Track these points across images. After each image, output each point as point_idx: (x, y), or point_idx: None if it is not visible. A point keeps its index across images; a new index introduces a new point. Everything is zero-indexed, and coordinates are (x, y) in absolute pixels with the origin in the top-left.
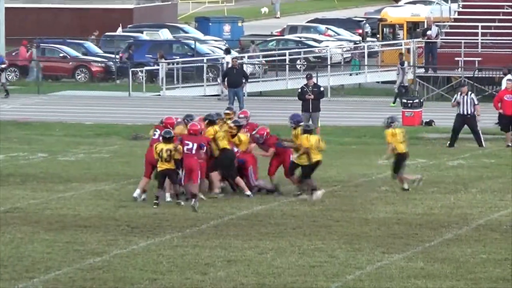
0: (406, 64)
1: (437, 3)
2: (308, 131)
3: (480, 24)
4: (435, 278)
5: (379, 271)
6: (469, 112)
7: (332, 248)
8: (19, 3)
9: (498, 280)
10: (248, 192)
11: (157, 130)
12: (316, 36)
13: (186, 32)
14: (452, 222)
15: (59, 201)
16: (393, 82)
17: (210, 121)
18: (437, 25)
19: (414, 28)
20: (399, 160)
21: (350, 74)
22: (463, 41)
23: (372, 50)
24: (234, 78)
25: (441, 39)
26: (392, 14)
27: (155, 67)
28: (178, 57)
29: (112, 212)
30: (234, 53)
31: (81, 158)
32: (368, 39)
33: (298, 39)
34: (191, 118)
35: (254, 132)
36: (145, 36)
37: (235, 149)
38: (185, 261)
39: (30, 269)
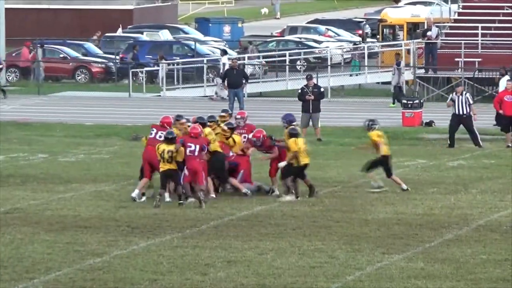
0: (402, 64)
1: (437, 4)
2: (294, 134)
3: (480, 25)
4: (435, 279)
5: (379, 272)
6: (464, 112)
7: (332, 249)
8: (19, 4)
9: (498, 281)
10: (245, 190)
11: (153, 129)
12: (316, 37)
13: (186, 33)
14: (452, 222)
15: (59, 202)
16: None
17: (201, 123)
18: (437, 26)
19: (414, 29)
20: (382, 162)
21: (350, 75)
22: (463, 41)
23: (372, 51)
24: (234, 79)
25: (441, 39)
26: (392, 15)
27: (155, 67)
28: (178, 58)
29: (112, 212)
30: (234, 54)
31: (81, 158)
32: (368, 39)
33: (298, 39)
34: (181, 118)
35: (251, 135)
36: (145, 37)
37: (230, 153)
38: (185, 261)
39: (30, 270)
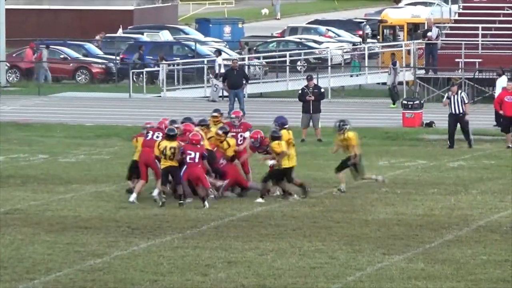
0: (398, 64)
1: (437, 4)
2: (276, 137)
3: (480, 26)
4: (436, 279)
5: (380, 272)
6: (460, 111)
7: (333, 249)
8: (20, 5)
9: (498, 281)
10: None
11: (149, 132)
12: (316, 37)
13: (186, 34)
14: (453, 223)
15: (59, 203)
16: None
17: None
18: (437, 27)
19: (415, 30)
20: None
21: (351, 76)
22: (463, 42)
23: (372, 51)
24: (235, 79)
25: (442, 40)
26: (392, 15)
27: (156, 68)
28: (178, 59)
29: (113, 213)
30: (234, 54)
31: (81, 159)
32: (368, 40)
33: (298, 40)
34: (174, 121)
35: (247, 134)
36: (145, 37)
37: (220, 160)
38: (186, 262)
39: (31, 271)
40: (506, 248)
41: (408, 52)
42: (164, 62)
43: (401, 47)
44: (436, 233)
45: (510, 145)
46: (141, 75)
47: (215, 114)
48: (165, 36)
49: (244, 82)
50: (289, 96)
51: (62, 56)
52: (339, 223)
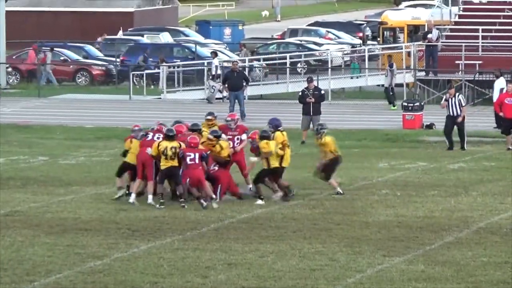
0: (394, 66)
1: (437, 6)
2: (265, 137)
3: (480, 27)
4: (436, 281)
5: (380, 274)
6: (458, 114)
7: (333, 251)
8: (20, 6)
9: (498, 283)
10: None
11: (149, 133)
12: (316, 39)
13: (186, 36)
14: (453, 225)
15: (59, 205)
16: (396, 85)
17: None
18: (437, 28)
19: (415, 31)
20: (334, 164)
21: (351, 77)
22: (463, 44)
23: (372, 53)
24: (235, 81)
25: (442, 42)
26: (392, 17)
27: (156, 70)
28: (178, 61)
29: (113, 215)
30: (234, 56)
31: (81, 161)
32: (368, 42)
33: (298, 42)
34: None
35: (243, 136)
36: (145, 39)
37: (212, 166)
38: (186, 264)
39: (31, 273)
40: (506, 250)
41: (408, 54)
42: (164, 64)
43: (402, 49)
44: (436, 235)
45: (510, 147)
46: (140, 76)
47: (209, 117)
48: (165, 38)
49: (244, 84)
50: (289, 98)
51: (62, 58)
52: (339, 225)
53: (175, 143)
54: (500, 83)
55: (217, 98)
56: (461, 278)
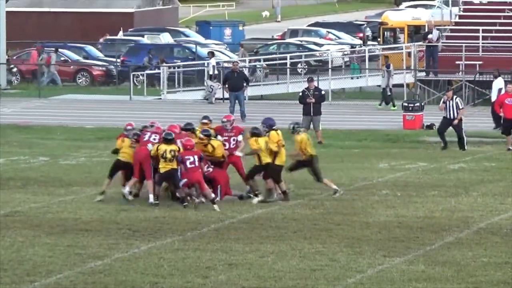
0: (391, 67)
1: (438, 6)
2: (256, 134)
3: (481, 28)
4: (436, 282)
5: (380, 275)
6: (455, 116)
7: (333, 252)
8: (20, 7)
9: (499, 284)
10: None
11: (146, 133)
12: (317, 39)
13: (187, 36)
14: (453, 225)
15: (60, 205)
16: (396, 86)
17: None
18: (438, 29)
19: (415, 32)
20: (309, 163)
21: (351, 78)
22: (464, 44)
23: (373, 53)
24: (235, 81)
25: (442, 42)
26: (393, 17)
27: (157, 70)
28: (179, 61)
29: (113, 215)
30: (234, 57)
31: (82, 162)
32: (369, 42)
33: (299, 42)
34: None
35: (240, 138)
36: (146, 40)
37: (205, 168)
38: (186, 264)
39: (31, 273)
40: (507, 250)
41: (409, 54)
42: (164, 64)
43: (402, 49)
44: (437, 235)
45: (511, 147)
46: (138, 78)
47: (204, 121)
48: (165, 38)
49: (244, 84)
50: (290, 98)
51: (63, 59)
52: (339, 225)
53: (174, 146)
54: (498, 83)
55: (217, 99)
56: (462, 278)
